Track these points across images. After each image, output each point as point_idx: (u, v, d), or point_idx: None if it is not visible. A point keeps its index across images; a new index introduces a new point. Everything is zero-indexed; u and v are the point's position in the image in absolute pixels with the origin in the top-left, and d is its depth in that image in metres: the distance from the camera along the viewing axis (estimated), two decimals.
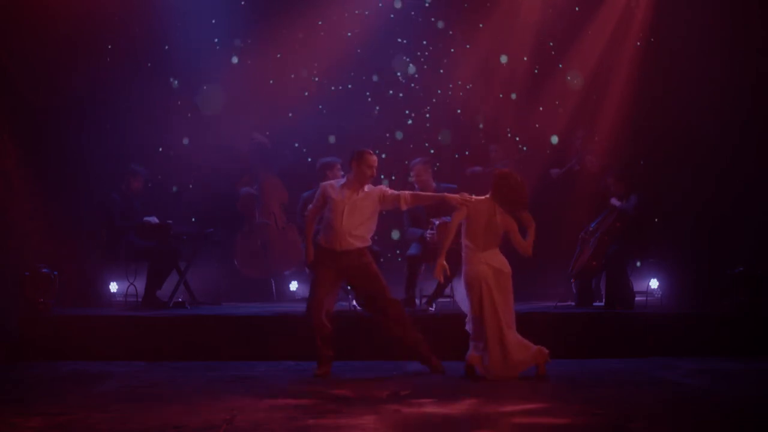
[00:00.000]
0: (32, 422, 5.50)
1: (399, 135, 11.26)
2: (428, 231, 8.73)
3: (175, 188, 11.12)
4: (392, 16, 11.34)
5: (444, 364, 7.48)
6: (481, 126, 11.01)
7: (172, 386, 6.91)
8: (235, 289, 11.08)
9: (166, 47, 10.82)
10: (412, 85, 11.50)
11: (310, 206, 7.71)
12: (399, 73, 11.42)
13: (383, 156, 10.86)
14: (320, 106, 11.29)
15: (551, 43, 11.33)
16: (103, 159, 10.26)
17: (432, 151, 11.30)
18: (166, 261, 9.59)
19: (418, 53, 11.50)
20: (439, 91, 11.53)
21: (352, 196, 7.42)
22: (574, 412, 5.78)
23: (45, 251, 9.28)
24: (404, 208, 7.62)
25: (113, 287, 10.44)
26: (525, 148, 11.33)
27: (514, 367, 7.10)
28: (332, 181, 7.74)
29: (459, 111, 11.54)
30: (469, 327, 7.27)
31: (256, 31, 11.20)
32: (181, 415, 5.67)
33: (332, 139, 11.15)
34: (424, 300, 9.29)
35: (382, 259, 8.42)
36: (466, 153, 11.41)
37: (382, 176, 8.32)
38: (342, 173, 8.70)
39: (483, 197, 7.31)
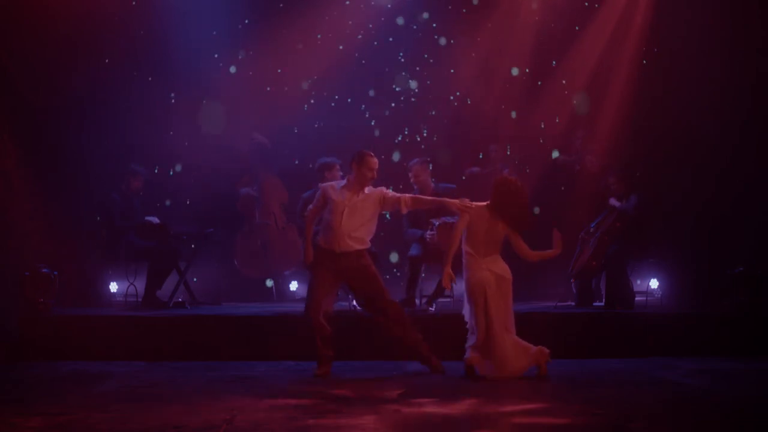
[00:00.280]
0: (32, 422, 5.50)
1: (396, 156, 11.21)
2: (428, 232, 8.73)
3: (168, 202, 11.08)
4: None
5: (444, 364, 7.48)
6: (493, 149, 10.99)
7: (172, 386, 6.91)
8: (235, 289, 11.09)
9: (165, 48, 10.81)
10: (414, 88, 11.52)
11: (310, 207, 7.70)
12: (398, 88, 11.40)
13: (382, 157, 10.87)
14: (320, 106, 11.30)
15: (551, 44, 11.34)
16: (103, 159, 10.27)
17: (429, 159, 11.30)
18: (166, 261, 9.59)
19: (419, 52, 11.51)
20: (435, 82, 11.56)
21: (353, 197, 7.41)
22: (574, 412, 5.78)
23: (45, 251, 9.28)
24: (405, 211, 7.60)
25: (113, 287, 10.44)
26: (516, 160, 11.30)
27: (517, 372, 7.10)
28: (333, 183, 7.74)
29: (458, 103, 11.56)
30: (471, 333, 7.26)
31: (256, 31, 11.20)
32: (181, 415, 5.67)
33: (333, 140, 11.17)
34: (424, 300, 9.30)
35: (379, 263, 8.43)
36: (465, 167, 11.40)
37: (391, 187, 8.30)
38: (341, 174, 8.70)
39: (483, 203, 7.31)
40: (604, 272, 9.55)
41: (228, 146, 11.13)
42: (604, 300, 9.47)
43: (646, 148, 10.64)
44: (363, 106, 11.47)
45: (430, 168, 9.45)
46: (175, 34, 10.74)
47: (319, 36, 11.25)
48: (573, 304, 9.78)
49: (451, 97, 11.49)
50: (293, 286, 11.13)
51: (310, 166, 10.90)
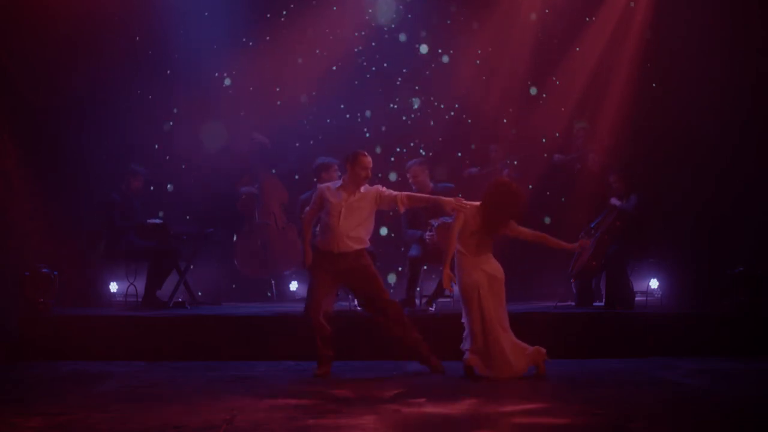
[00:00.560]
0: (32, 422, 5.50)
1: (393, 176, 11.18)
2: (427, 233, 8.73)
3: (170, 186, 11.08)
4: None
5: (444, 364, 7.48)
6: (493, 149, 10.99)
7: (172, 386, 6.91)
8: (235, 289, 11.09)
9: (165, 48, 10.81)
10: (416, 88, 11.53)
11: (307, 209, 7.69)
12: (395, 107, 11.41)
13: (377, 150, 10.89)
14: (319, 107, 11.31)
15: (551, 44, 11.33)
16: (103, 159, 10.27)
17: (430, 154, 11.29)
18: (166, 261, 9.59)
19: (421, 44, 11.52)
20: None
21: (349, 198, 7.41)
22: (574, 412, 5.78)
23: (45, 251, 9.28)
24: (402, 209, 7.60)
25: (113, 287, 10.44)
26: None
27: (517, 373, 7.11)
28: (328, 184, 7.73)
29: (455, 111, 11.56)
30: (467, 335, 7.26)
31: (256, 31, 11.21)
32: (181, 415, 5.67)
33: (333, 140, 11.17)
34: (424, 300, 9.30)
35: (378, 263, 8.43)
36: (467, 162, 11.39)
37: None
38: (339, 174, 8.71)
39: (477, 203, 7.31)
40: (604, 272, 9.55)
41: (228, 146, 11.13)
42: (604, 300, 9.47)
43: (646, 148, 10.64)
44: (363, 119, 11.47)
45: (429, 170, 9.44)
46: (175, 34, 10.75)
47: (329, 31, 11.23)
48: (573, 304, 9.78)
49: (451, 112, 11.47)
50: (293, 286, 11.13)
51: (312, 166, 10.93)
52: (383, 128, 11.37)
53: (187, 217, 10.92)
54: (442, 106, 11.47)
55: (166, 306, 9.44)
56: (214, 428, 5.32)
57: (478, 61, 11.39)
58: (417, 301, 9.19)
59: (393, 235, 10.79)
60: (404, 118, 11.46)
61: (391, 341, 7.60)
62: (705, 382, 7.06)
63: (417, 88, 11.47)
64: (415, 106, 11.44)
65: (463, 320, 7.26)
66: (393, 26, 11.31)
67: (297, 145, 11.26)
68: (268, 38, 11.18)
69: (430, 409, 5.96)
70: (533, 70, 11.30)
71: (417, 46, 11.40)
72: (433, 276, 9.91)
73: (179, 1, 10.76)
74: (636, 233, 9.31)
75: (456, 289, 7.41)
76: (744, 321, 8.74)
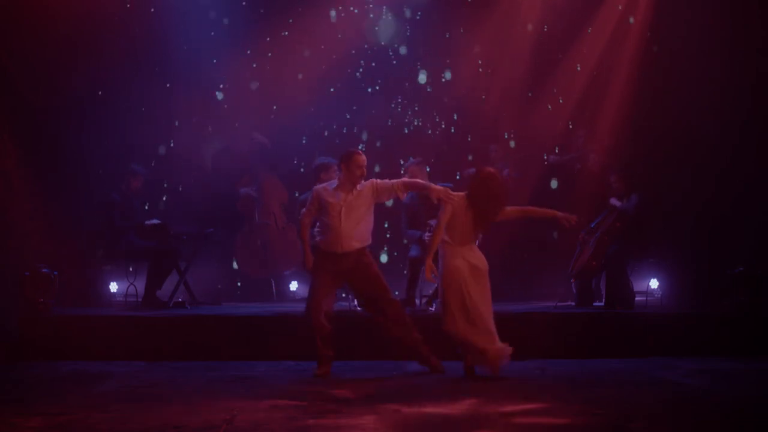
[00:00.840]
0: (32, 422, 5.50)
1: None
2: (427, 233, 8.73)
3: (166, 184, 11.05)
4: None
5: (444, 364, 7.48)
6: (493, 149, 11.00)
7: (172, 386, 6.91)
8: (235, 289, 11.09)
9: (165, 48, 10.81)
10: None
11: (304, 210, 7.67)
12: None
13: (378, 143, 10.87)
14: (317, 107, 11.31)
15: (551, 44, 11.33)
16: (103, 159, 10.27)
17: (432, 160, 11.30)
18: (166, 261, 9.59)
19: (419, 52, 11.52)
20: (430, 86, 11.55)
21: (347, 197, 7.41)
22: (574, 412, 5.78)
23: (45, 251, 9.28)
24: (402, 196, 7.58)
25: (113, 287, 10.44)
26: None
27: (499, 347, 7.12)
28: (324, 185, 7.70)
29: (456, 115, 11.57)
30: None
31: (256, 31, 11.21)
32: (181, 415, 5.67)
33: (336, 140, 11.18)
34: (424, 300, 9.29)
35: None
36: (470, 158, 11.39)
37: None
38: (338, 174, 8.70)
39: (462, 193, 7.31)
40: (604, 272, 9.55)
41: (228, 146, 11.13)
42: (604, 300, 9.47)
43: (646, 148, 10.64)
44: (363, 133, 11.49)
45: (428, 169, 9.44)
46: (175, 34, 10.75)
47: (339, 30, 11.24)
48: (573, 304, 9.78)
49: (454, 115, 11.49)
50: (293, 286, 11.13)
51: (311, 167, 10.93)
52: (387, 122, 11.39)
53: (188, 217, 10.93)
54: (437, 119, 11.48)
55: (166, 306, 9.44)
56: (214, 428, 5.32)
57: (479, 62, 11.39)
58: (417, 301, 9.19)
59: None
60: (406, 118, 11.47)
61: (391, 341, 7.60)
62: (705, 382, 7.06)
63: (418, 90, 11.49)
64: (423, 81, 11.41)
65: (438, 300, 7.25)
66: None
67: (299, 143, 11.24)
68: (268, 39, 11.18)
69: (430, 409, 5.96)
70: (533, 70, 11.29)
71: (417, 65, 11.45)
72: (434, 275, 9.89)
73: (179, 1, 10.76)
74: (636, 233, 9.31)
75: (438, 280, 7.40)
76: (744, 321, 8.74)
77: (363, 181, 7.49)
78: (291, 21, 11.16)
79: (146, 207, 10.51)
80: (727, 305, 9.34)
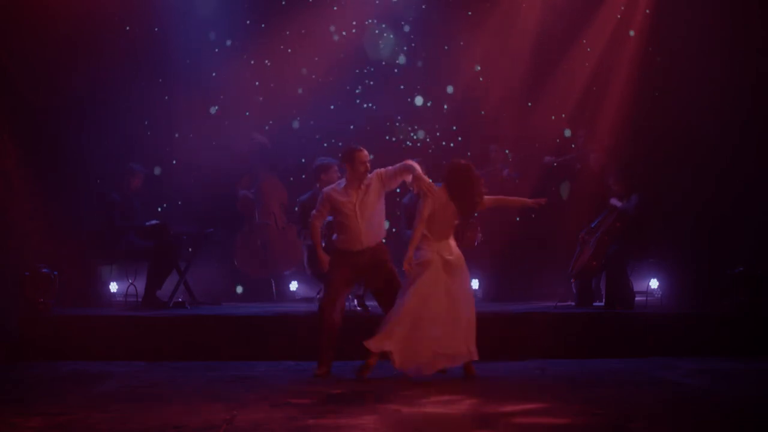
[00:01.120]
0: (32, 422, 5.50)
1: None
2: None
3: (157, 170, 11.00)
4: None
5: None
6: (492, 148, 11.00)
7: (172, 386, 6.91)
8: (235, 290, 11.08)
9: (165, 48, 10.80)
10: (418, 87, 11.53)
11: (314, 212, 7.65)
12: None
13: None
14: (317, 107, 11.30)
15: (551, 44, 11.32)
16: (103, 159, 10.27)
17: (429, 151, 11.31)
18: (165, 261, 9.59)
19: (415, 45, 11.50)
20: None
21: (358, 193, 7.44)
22: (574, 412, 5.78)
23: (45, 251, 9.27)
24: (409, 178, 7.41)
25: (113, 287, 10.43)
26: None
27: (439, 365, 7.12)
28: (333, 186, 7.71)
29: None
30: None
31: (256, 32, 11.20)
32: (181, 415, 5.67)
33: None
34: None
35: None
36: (468, 154, 11.39)
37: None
38: (339, 175, 8.73)
39: (440, 186, 7.29)
40: (604, 272, 9.55)
41: (228, 146, 11.13)
42: (604, 300, 9.47)
43: (646, 148, 10.64)
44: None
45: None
46: (174, 34, 10.75)
47: (332, 28, 11.24)
48: (573, 304, 9.78)
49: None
50: (293, 286, 11.13)
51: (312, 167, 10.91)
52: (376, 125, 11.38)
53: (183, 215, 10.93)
54: (445, 107, 11.49)
55: (166, 306, 9.44)
56: (214, 428, 5.32)
57: (478, 67, 11.39)
58: None
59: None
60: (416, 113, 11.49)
61: None
62: (705, 382, 7.06)
63: (418, 87, 11.47)
64: (419, 104, 11.42)
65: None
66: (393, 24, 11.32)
67: (299, 143, 11.24)
68: (266, 40, 11.18)
69: (430, 409, 5.96)
70: (533, 70, 11.29)
71: (419, 63, 11.44)
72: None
73: (179, 1, 10.76)
74: (636, 233, 9.31)
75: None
76: (744, 321, 8.75)
77: (368, 175, 7.52)
78: (291, 21, 11.15)
79: (150, 207, 10.51)
80: (727, 305, 9.34)
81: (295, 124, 11.20)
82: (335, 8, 11.16)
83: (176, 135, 11.08)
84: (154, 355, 8.23)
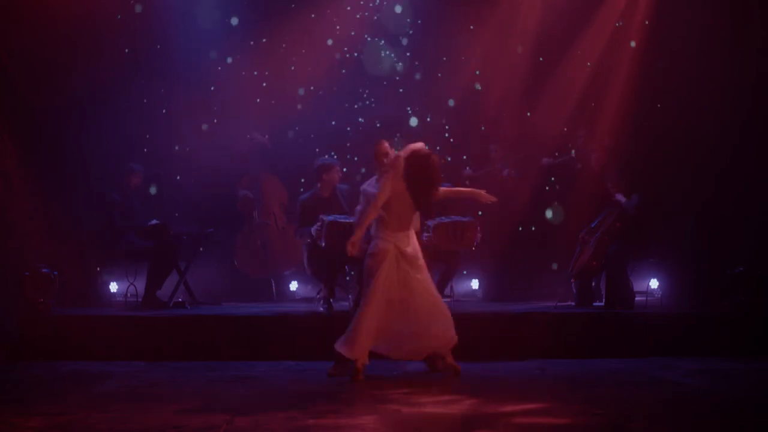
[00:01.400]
0: (32, 422, 5.50)
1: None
2: (424, 234, 8.72)
3: (153, 189, 11.00)
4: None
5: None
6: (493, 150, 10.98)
7: (172, 386, 6.92)
8: (235, 289, 11.08)
9: (165, 48, 10.80)
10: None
11: (360, 209, 7.82)
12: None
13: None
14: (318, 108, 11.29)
15: (551, 44, 11.32)
16: (103, 159, 10.26)
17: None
18: (165, 261, 9.59)
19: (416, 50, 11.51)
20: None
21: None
22: (574, 412, 5.79)
23: (45, 251, 9.28)
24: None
25: (113, 287, 10.44)
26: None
27: (412, 355, 7.19)
28: (369, 182, 7.99)
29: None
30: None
31: (256, 32, 11.20)
32: (181, 415, 5.67)
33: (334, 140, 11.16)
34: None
35: None
36: (464, 158, 11.38)
37: None
38: (340, 175, 8.75)
39: (400, 175, 7.21)
40: (604, 272, 9.55)
41: (228, 146, 11.13)
42: (604, 300, 9.46)
43: (646, 148, 10.63)
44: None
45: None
46: (175, 34, 10.74)
47: (337, 30, 11.25)
48: (573, 304, 9.77)
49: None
50: (293, 286, 11.13)
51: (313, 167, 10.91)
52: (378, 125, 11.37)
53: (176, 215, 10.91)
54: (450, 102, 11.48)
55: (166, 306, 9.44)
56: (214, 428, 5.32)
57: (477, 71, 11.40)
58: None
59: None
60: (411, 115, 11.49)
61: None
62: (705, 382, 7.07)
63: (417, 86, 11.49)
64: (414, 125, 11.40)
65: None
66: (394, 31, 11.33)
67: (299, 143, 11.25)
68: (264, 40, 11.18)
69: (430, 409, 5.96)
70: (533, 70, 11.29)
71: (416, 63, 11.43)
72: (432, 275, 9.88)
73: (179, 1, 10.76)
74: (636, 233, 9.31)
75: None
76: (744, 321, 8.75)
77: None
78: (291, 20, 11.14)
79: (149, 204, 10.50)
80: (727, 305, 9.35)
81: (291, 134, 11.18)
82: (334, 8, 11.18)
83: (177, 134, 11.07)
84: (154, 355, 8.23)
